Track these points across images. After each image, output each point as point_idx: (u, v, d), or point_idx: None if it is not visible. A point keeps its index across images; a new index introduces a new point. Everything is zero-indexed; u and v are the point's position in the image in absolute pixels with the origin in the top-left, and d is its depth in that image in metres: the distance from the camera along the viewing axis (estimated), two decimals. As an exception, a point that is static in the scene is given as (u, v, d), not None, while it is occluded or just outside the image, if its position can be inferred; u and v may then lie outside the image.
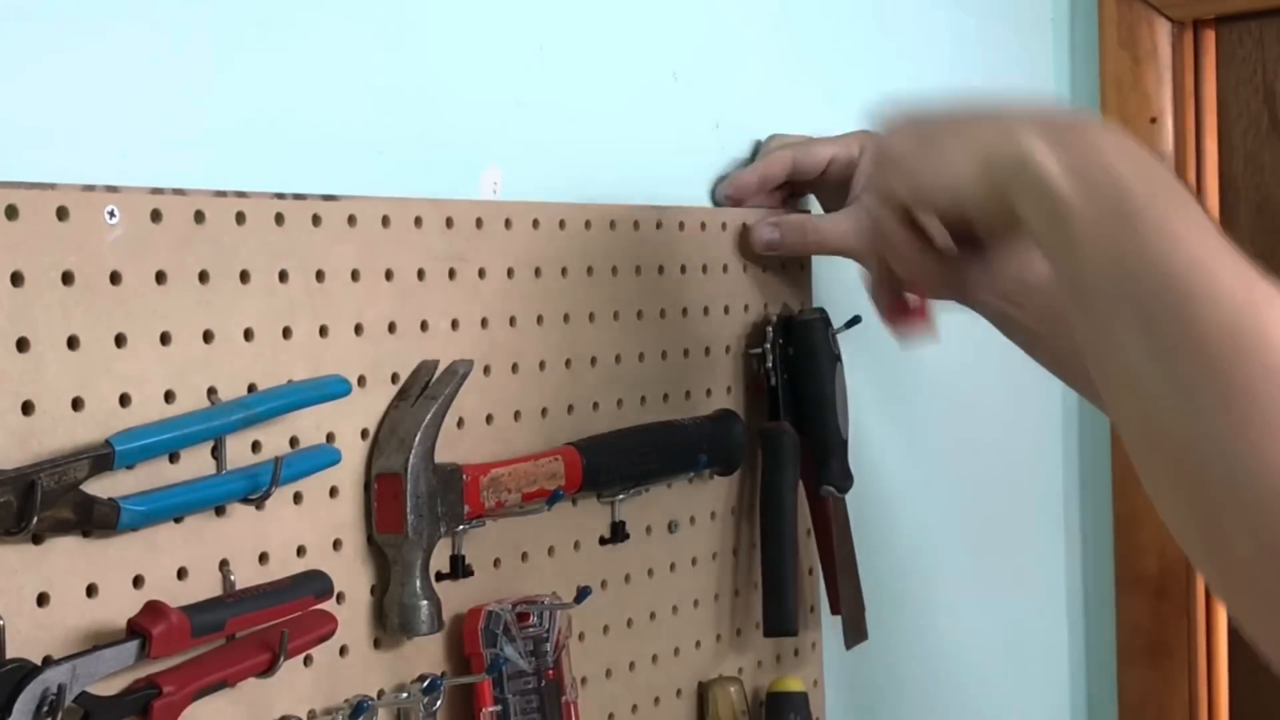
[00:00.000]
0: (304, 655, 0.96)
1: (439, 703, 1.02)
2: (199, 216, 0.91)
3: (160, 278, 0.89)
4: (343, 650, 0.99)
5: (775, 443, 1.29)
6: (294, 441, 0.96)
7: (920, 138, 1.00)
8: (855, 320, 1.34)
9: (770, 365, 1.30)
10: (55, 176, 0.84)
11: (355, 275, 1.00)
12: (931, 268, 1.04)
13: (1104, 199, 0.87)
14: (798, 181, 1.32)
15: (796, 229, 1.30)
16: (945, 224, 1.01)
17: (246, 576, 0.93)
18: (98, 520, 0.84)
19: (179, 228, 0.90)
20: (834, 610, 1.35)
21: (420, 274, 1.04)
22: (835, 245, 1.28)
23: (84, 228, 0.85)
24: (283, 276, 0.96)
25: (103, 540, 0.86)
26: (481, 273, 1.09)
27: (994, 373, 1.67)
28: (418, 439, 1.00)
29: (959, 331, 1.56)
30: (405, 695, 1.02)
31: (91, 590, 0.86)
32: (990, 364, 1.65)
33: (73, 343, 0.85)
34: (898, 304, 1.12)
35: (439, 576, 1.04)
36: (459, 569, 1.06)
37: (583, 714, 1.12)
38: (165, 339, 0.90)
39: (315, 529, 0.98)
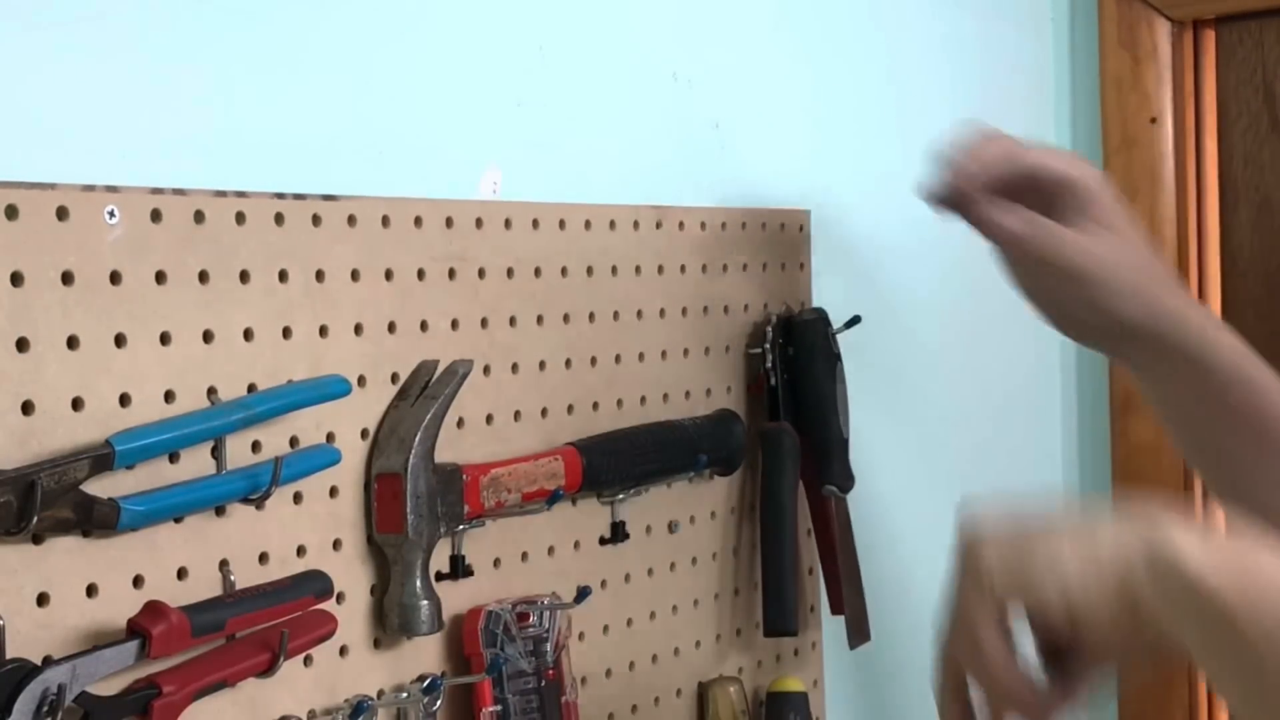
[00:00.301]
0: (304, 655, 0.96)
1: (439, 703, 1.02)
2: (199, 216, 0.91)
3: (160, 278, 0.89)
4: (343, 650, 0.99)
5: (775, 443, 1.29)
6: (294, 441, 0.96)
7: (1022, 538, 0.82)
8: (855, 320, 1.34)
9: (770, 365, 1.30)
10: (55, 176, 0.84)
11: (355, 275, 1.00)
12: (1026, 690, 0.84)
13: (1275, 594, 0.73)
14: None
15: (1044, 231, 1.12)
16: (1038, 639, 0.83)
17: (246, 576, 0.93)
18: (98, 520, 0.84)
19: (179, 228, 0.90)
20: (835, 610, 1.35)
21: (420, 274, 1.04)
22: (1065, 251, 1.12)
23: (84, 228, 0.85)
24: (282, 276, 0.96)
25: (103, 540, 0.86)
26: (481, 273, 1.09)
27: (994, 372, 1.67)
28: (418, 439, 1.00)
29: (959, 331, 1.56)
30: (405, 695, 1.02)
31: (91, 590, 0.86)
32: (990, 363, 1.65)
33: (73, 343, 0.85)
34: None
35: (439, 576, 1.04)
36: (459, 569, 1.06)
37: (583, 714, 1.12)
38: (165, 339, 0.90)
39: (315, 529, 0.98)
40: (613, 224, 1.19)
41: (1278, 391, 1.13)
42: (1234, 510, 1.16)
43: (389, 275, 1.02)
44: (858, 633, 1.35)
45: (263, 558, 0.95)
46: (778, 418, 1.29)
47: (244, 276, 0.94)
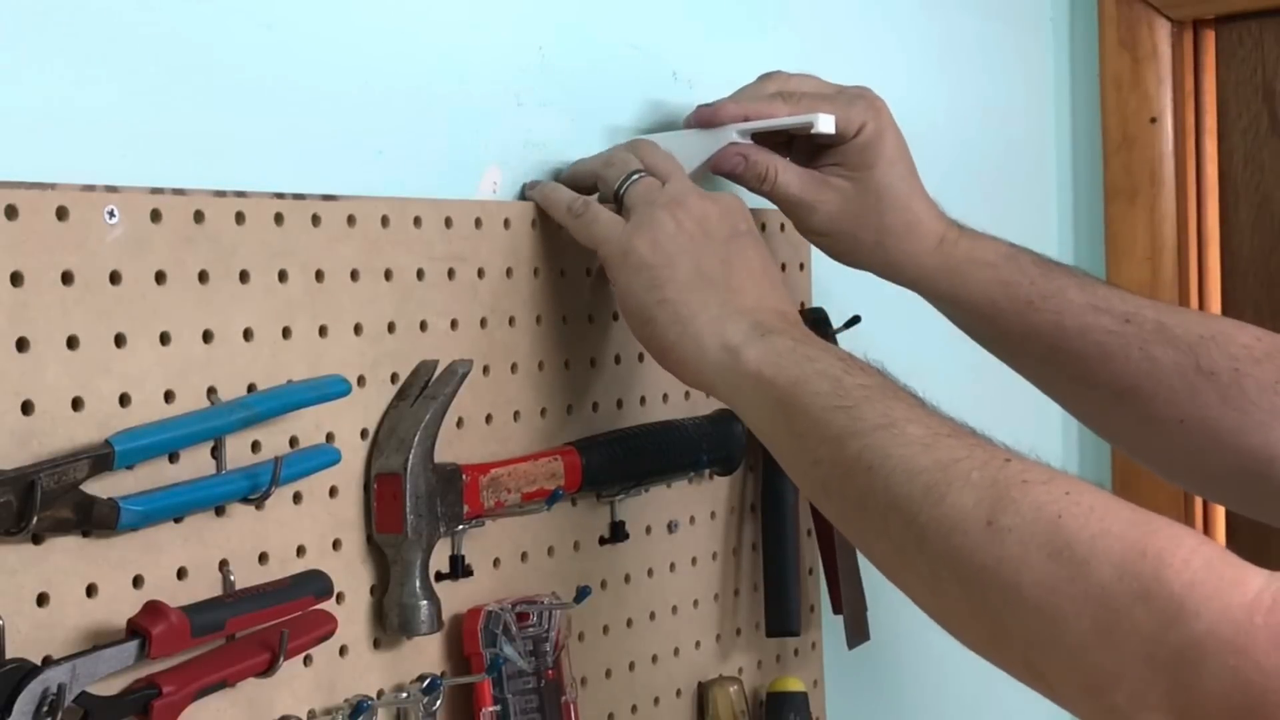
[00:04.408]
0: (304, 655, 0.96)
1: (439, 703, 1.02)
2: (199, 216, 0.91)
3: (160, 278, 0.89)
4: (342, 650, 0.99)
5: (775, 443, 1.29)
6: (294, 441, 0.96)
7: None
8: (855, 320, 1.34)
9: (770, 365, 1.30)
10: (55, 176, 0.84)
11: (355, 275, 1.00)
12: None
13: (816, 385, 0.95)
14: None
15: (759, 170, 1.20)
16: None
17: (246, 576, 0.93)
18: (98, 520, 0.84)
19: (179, 228, 0.90)
20: (835, 610, 1.35)
21: (420, 274, 1.04)
22: (785, 200, 1.21)
23: (84, 228, 0.85)
24: (282, 276, 0.96)
25: (103, 540, 0.86)
26: (481, 273, 1.09)
27: (994, 372, 1.67)
28: (417, 439, 1.00)
29: (958, 331, 1.56)
30: (405, 695, 1.02)
31: (91, 590, 0.86)
32: (990, 364, 1.64)
33: (73, 343, 0.85)
34: None
35: (439, 576, 1.04)
36: (459, 569, 1.06)
37: (583, 714, 1.12)
38: (165, 339, 0.90)
39: (315, 529, 0.98)
40: (613, 224, 1.19)
41: (1041, 311, 1.21)
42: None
43: (389, 275, 1.02)
44: (857, 632, 1.35)
45: (263, 558, 0.95)
46: (778, 418, 1.29)
47: (244, 276, 0.94)
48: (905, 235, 1.21)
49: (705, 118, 1.20)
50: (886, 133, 1.21)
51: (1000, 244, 1.22)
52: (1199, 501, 1.76)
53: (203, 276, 0.91)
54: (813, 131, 1.17)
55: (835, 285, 1.39)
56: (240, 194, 0.94)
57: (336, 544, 0.99)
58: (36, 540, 0.83)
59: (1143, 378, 1.17)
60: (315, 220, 0.98)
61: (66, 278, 0.85)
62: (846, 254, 1.24)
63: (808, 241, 1.27)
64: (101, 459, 0.84)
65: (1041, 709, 1.88)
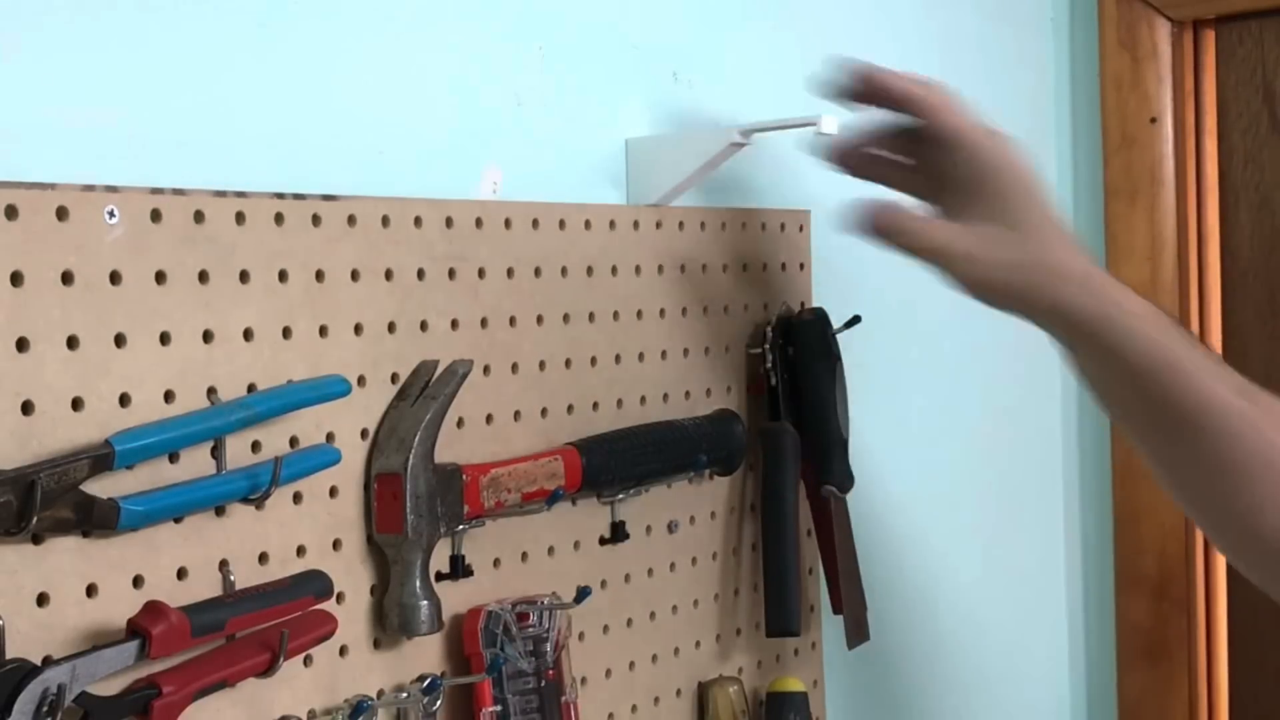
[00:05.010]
0: (304, 655, 0.96)
1: (439, 703, 1.02)
2: (199, 216, 0.91)
3: (160, 278, 0.89)
4: (343, 650, 1.00)
5: (775, 443, 1.29)
6: (294, 441, 0.96)
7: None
8: (855, 320, 1.34)
9: (770, 365, 1.30)
10: (55, 176, 0.84)
11: (355, 275, 1.00)
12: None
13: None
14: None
15: (900, 229, 1.14)
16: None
17: (246, 576, 0.93)
18: (98, 520, 0.84)
19: (179, 228, 0.90)
20: (835, 610, 1.35)
21: (420, 274, 1.04)
22: (939, 260, 1.14)
23: (84, 228, 0.85)
24: (282, 276, 0.96)
25: (103, 540, 0.86)
26: (481, 273, 1.09)
27: (994, 373, 1.67)
28: (417, 439, 1.00)
29: (958, 331, 1.56)
30: (405, 695, 1.02)
31: (91, 590, 0.86)
32: (991, 364, 1.64)
33: (73, 343, 0.85)
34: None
35: (439, 576, 1.04)
36: (459, 569, 1.06)
37: (583, 714, 1.12)
38: (165, 339, 0.90)
39: (315, 529, 0.98)
40: (612, 224, 1.19)
41: (1196, 373, 1.11)
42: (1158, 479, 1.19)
43: (389, 275, 1.02)
44: (856, 633, 1.35)
45: (263, 558, 0.95)
46: (778, 418, 1.29)
47: (244, 276, 0.94)
48: (1058, 268, 1.13)
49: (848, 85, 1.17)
50: (1021, 168, 1.15)
51: (1140, 298, 1.14)
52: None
53: (203, 276, 0.91)
54: (816, 131, 1.17)
55: (835, 285, 1.39)
56: (240, 194, 0.94)
57: (336, 544, 0.99)
58: (36, 540, 0.83)
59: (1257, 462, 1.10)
60: (315, 220, 0.98)
61: (66, 278, 0.85)
62: (991, 301, 1.16)
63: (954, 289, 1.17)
64: (101, 459, 0.84)
65: (1040, 707, 1.89)
